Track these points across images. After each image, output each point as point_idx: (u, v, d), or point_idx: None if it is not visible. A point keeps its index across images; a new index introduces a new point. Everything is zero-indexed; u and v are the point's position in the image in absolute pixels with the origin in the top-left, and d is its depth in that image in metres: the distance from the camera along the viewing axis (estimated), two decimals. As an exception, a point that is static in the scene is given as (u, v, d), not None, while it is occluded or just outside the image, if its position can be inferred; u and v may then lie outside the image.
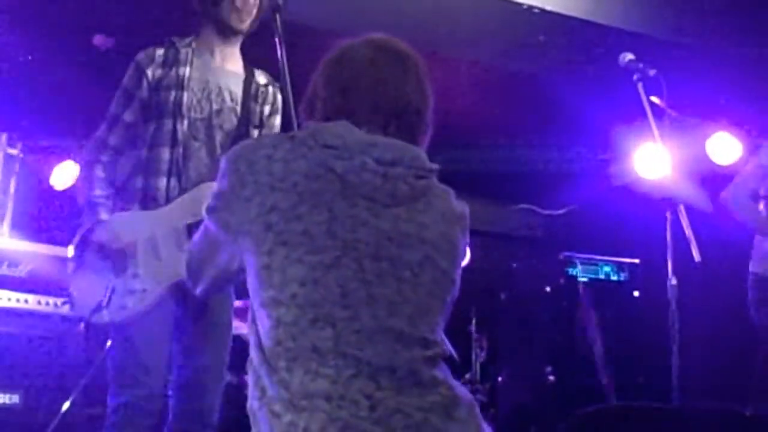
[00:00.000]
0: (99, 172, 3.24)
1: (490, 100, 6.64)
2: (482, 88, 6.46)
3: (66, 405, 4.47)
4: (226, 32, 3.34)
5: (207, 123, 3.26)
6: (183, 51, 3.31)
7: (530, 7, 5.01)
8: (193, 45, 3.34)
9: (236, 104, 3.32)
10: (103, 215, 3.16)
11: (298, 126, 2.62)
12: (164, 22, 4.88)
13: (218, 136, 3.26)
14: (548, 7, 5.03)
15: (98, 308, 3.04)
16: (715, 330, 6.15)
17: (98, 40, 4.76)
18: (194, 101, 3.25)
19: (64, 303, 4.69)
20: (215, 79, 3.32)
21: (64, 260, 3.56)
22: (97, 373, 4.28)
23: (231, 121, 3.30)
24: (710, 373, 4.46)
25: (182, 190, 3.16)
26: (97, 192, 3.22)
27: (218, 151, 3.22)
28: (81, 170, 3.45)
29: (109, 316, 3.04)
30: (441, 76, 6.24)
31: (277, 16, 3.07)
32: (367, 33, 5.63)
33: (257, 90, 3.39)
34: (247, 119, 3.33)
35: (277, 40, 3.04)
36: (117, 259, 3.09)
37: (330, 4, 5.09)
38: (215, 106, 3.28)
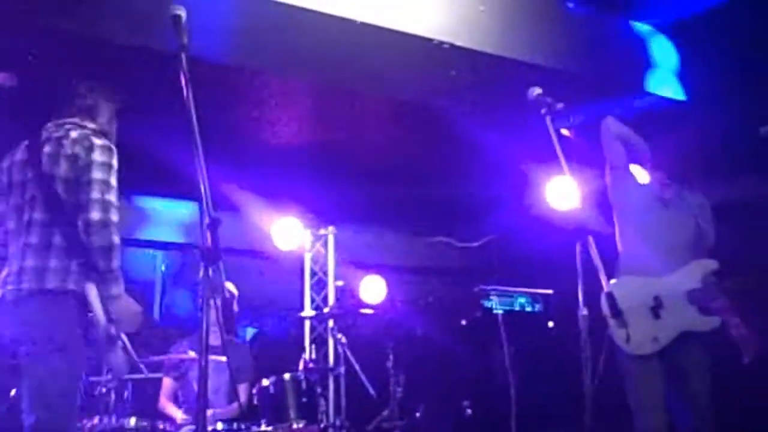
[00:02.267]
0: None
1: (403, 135, 6.68)
2: (396, 123, 6.50)
3: None
4: None
5: None
6: None
7: (441, 43, 5.05)
8: None
9: None
10: None
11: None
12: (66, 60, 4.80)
13: None
14: (458, 43, 5.08)
15: None
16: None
17: (1, 78, 4.67)
18: None
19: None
20: None
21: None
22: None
23: None
24: (623, 403, 4.51)
25: None
26: None
27: None
28: None
29: None
30: (354, 112, 6.31)
31: (183, 55, 3.04)
32: (276, 70, 5.64)
33: None
34: None
35: (182, 76, 3.00)
36: None
37: (238, 42, 5.04)
38: None
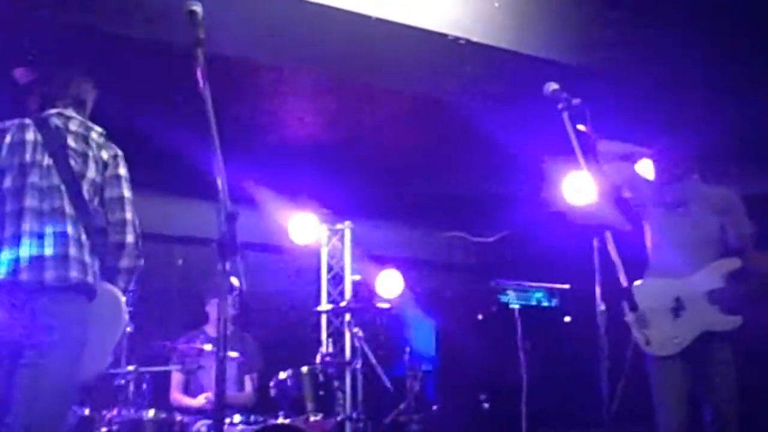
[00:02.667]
0: None
1: (420, 130, 6.69)
2: (412, 119, 6.50)
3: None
4: None
5: None
6: None
7: (456, 38, 5.05)
8: None
9: None
10: None
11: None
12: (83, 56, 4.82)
13: None
14: (474, 38, 5.08)
15: None
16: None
17: (19, 73, 4.71)
18: None
19: None
20: None
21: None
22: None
23: None
24: (641, 398, 4.51)
25: None
26: None
27: None
28: None
29: None
30: (370, 107, 6.32)
31: (199, 50, 3.05)
32: (293, 65, 5.66)
33: None
34: None
35: (199, 72, 3.02)
36: None
37: (255, 37, 5.07)
38: None
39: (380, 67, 5.46)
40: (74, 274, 3.57)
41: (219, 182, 2.91)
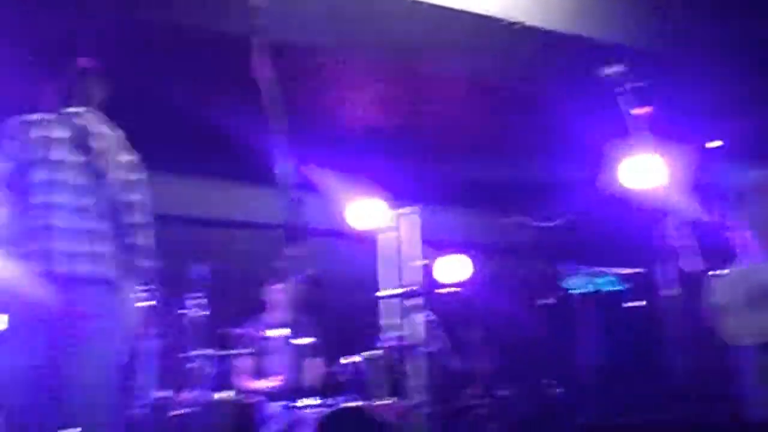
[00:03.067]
0: None
1: (480, 115, 6.69)
2: (474, 104, 6.52)
3: None
4: None
5: None
6: None
7: (513, 22, 5.06)
8: None
9: None
10: None
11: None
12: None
13: None
14: (531, 22, 5.09)
15: None
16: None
17: (83, 62, 4.86)
18: None
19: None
20: None
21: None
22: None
23: None
24: (713, 384, 4.46)
25: None
26: None
27: None
28: None
29: None
30: (433, 93, 6.36)
31: (256, 37, 3.12)
32: (355, 51, 5.73)
33: None
34: None
35: (255, 59, 3.09)
36: None
37: (322, 23, 5.14)
38: None
39: (440, 52, 5.50)
40: (101, 268, 3.70)
41: (285, 168, 2.99)
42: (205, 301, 5.74)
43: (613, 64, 4.08)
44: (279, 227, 3.00)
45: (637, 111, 4.04)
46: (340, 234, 8.07)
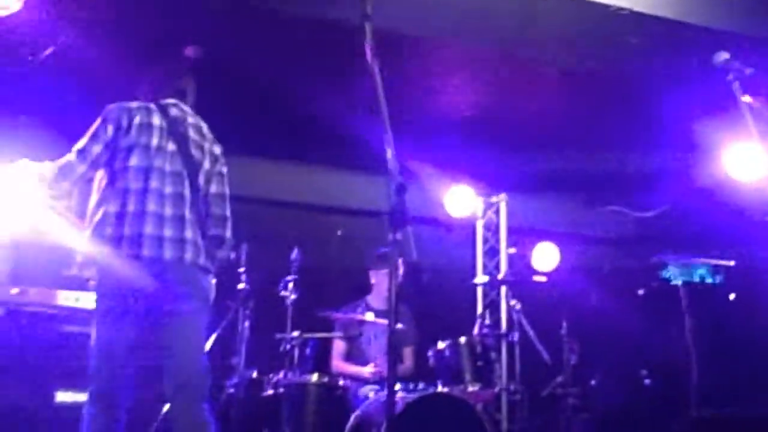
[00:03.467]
0: None
1: (580, 103, 6.60)
2: (572, 91, 6.43)
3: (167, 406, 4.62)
4: None
5: None
6: None
7: (619, 9, 4.97)
8: None
9: None
10: None
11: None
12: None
13: None
14: (637, 8, 4.98)
15: None
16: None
17: (190, 51, 4.97)
18: None
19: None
20: None
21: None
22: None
23: None
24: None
25: None
26: None
27: None
28: None
29: None
30: (530, 80, 6.29)
31: (367, 25, 3.13)
32: (451, 39, 5.68)
33: None
34: None
35: (367, 47, 3.10)
36: None
37: (419, 11, 5.14)
38: None
39: (541, 39, 5.44)
40: (188, 255, 3.82)
41: (388, 155, 3.00)
42: (298, 284, 5.81)
43: (723, 51, 3.95)
44: (382, 214, 3.00)
45: (746, 99, 3.92)
46: (434, 221, 8.07)
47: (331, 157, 7.50)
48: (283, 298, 5.76)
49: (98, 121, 3.88)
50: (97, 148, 3.81)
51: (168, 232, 3.80)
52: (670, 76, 5.73)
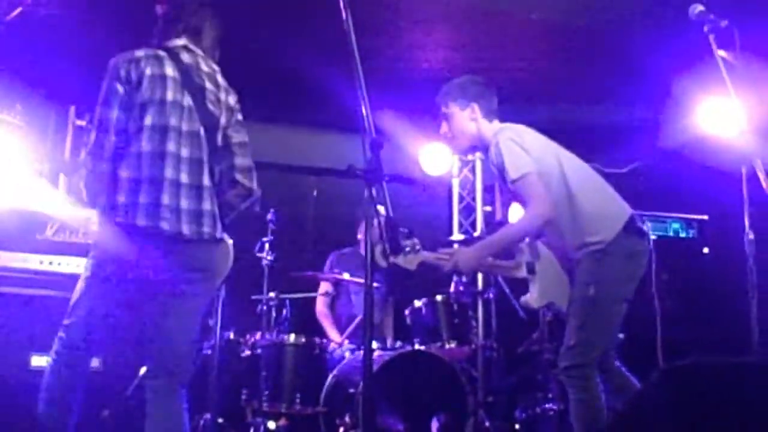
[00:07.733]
0: None
1: (552, 57, 6.58)
2: (545, 46, 6.40)
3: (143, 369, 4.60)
4: None
5: None
6: None
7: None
8: None
9: None
10: None
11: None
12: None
13: None
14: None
15: None
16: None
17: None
18: None
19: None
20: None
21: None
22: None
23: None
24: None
25: None
26: None
27: None
28: None
29: None
30: (505, 35, 6.24)
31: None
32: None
33: None
34: None
35: (342, 3, 3.04)
36: None
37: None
38: None
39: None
40: (206, 229, 3.41)
41: (363, 112, 2.96)
42: (274, 245, 5.79)
43: (698, 4, 3.93)
44: (358, 172, 2.97)
45: (721, 53, 3.90)
46: (409, 180, 8.05)
47: (304, 117, 7.45)
48: (259, 259, 5.75)
49: (105, 81, 3.39)
50: (114, 114, 3.34)
51: (185, 203, 3.37)
52: (645, 29, 5.71)
